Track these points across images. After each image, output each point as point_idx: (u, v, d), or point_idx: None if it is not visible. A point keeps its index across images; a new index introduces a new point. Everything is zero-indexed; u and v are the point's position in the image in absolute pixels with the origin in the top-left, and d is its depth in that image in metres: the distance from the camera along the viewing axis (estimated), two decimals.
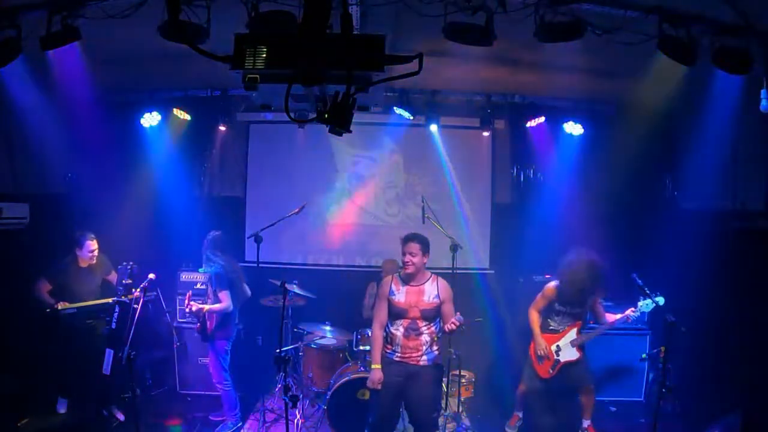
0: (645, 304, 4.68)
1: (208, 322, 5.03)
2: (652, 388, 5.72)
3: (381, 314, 4.20)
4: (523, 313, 5.32)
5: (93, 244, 5.26)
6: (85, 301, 5.22)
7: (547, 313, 5.02)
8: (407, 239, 4.15)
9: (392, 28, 4.22)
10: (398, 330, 4.10)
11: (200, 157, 7.05)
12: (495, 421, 5.54)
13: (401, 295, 4.12)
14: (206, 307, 4.99)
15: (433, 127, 6.64)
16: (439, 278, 4.21)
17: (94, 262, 5.33)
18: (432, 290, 4.13)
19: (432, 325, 4.13)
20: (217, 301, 4.99)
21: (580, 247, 4.86)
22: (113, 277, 5.46)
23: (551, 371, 4.96)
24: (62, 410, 5.25)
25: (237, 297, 5.18)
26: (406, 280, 4.16)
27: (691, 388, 5.29)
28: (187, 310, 5.04)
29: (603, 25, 3.79)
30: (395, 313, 4.12)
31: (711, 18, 3.85)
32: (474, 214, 7.11)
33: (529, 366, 5.09)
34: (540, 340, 4.97)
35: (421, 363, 4.09)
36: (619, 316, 4.86)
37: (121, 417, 5.09)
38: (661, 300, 4.53)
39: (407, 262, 4.10)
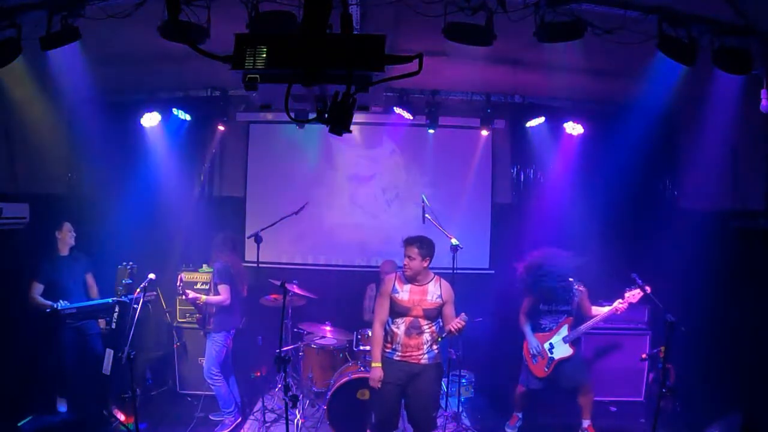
0: (632, 294, 4.71)
1: (207, 314, 5.18)
2: (652, 388, 5.72)
3: (382, 312, 4.19)
4: None
5: (69, 226, 5.32)
6: (73, 293, 5.25)
7: (535, 314, 5.08)
8: (407, 242, 4.16)
9: (392, 28, 4.22)
10: (399, 328, 4.10)
11: (200, 157, 7.05)
12: (495, 421, 5.54)
13: (404, 293, 4.13)
14: (203, 297, 5.12)
15: (433, 129, 6.65)
16: (442, 279, 4.23)
17: (73, 243, 5.35)
18: (435, 290, 4.14)
19: (433, 324, 4.14)
20: (217, 294, 5.11)
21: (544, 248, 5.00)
22: (91, 281, 5.49)
23: (546, 369, 4.98)
24: (62, 410, 5.25)
25: (237, 294, 5.26)
26: (409, 279, 4.16)
27: (691, 388, 5.30)
28: (183, 297, 5.14)
29: (603, 25, 3.80)
30: (398, 312, 4.12)
31: (711, 18, 3.85)
32: (474, 214, 7.11)
33: (525, 367, 5.12)
34: (532, 338, 5.03)
35: (422, 362, 4.09)
36: (606, 308, 4.89)
37: (120, 417, 5.09)
38: (647, 288, 4.54)
39: (405, 264, 4.12)
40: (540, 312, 5.05)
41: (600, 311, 4.94)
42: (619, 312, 4.83)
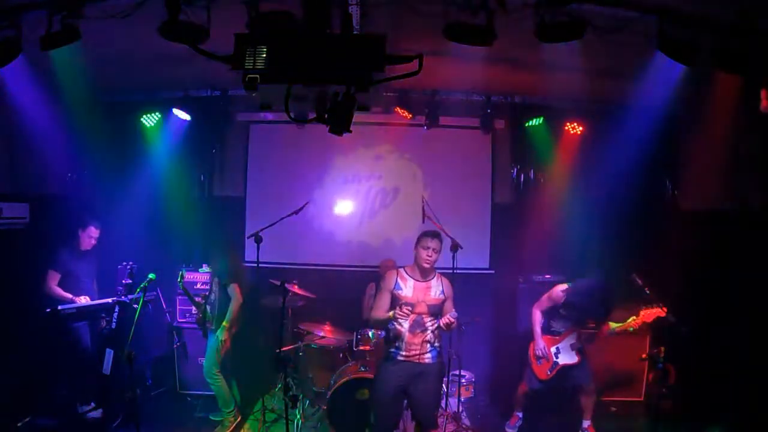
0: (647, 313, 4.64)
1: (209, 315, 5.18)
2: (652, 388, 5.72)
3: (383, 306, 4.11)
4: (524, 313, 5.33)
5: (95, 232, 5.47)
6: (85, 289, 5.37)
7: (550, 314, 5.03)
8: (432, 235, 4.10)
9: (392, 28, 4.21)
10: (403, 325, 4.06)
11: (200, 157, 7.05)
12: (495, 421, 5.54)
13: (408, 289, 4.09)
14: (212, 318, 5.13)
15: (432, 129, 6.64)
16: (442, 275, 4.23)
17: (89, 248, 5.49)
18: (438, 286, 4.14)
19: (435, 321, 4.14)
20: (225, 294, 5.10)
21: (600, 271, 4.85)
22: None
23: (549, 373, 4.96)
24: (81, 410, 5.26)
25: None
26: (414, 275, 4.13)
27: (691, 388, 5.29)
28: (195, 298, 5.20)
29: (603, 25, 3.79)
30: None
31: (711, 18, 3.85)
32: (474, 214, 7.10)
33: (528, 366, 5.10)
34: (539, 340, 4.99)
35: (426, 361, 4.08)
36: (619, 325, 4.82)
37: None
38: (664, 308, 4.51)
39: (428, 257, 4.04)
40: (557, 314, 4.99)
41: (612, 326, 4.85)
42: (631, 330, 4.78)
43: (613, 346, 5.77)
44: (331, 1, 2.14)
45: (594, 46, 3.95)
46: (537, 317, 5.05)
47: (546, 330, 5.03)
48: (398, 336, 4.08)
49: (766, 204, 5.16)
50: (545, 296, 5.03)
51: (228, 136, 7.07)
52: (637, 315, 4.72)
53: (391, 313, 3.98)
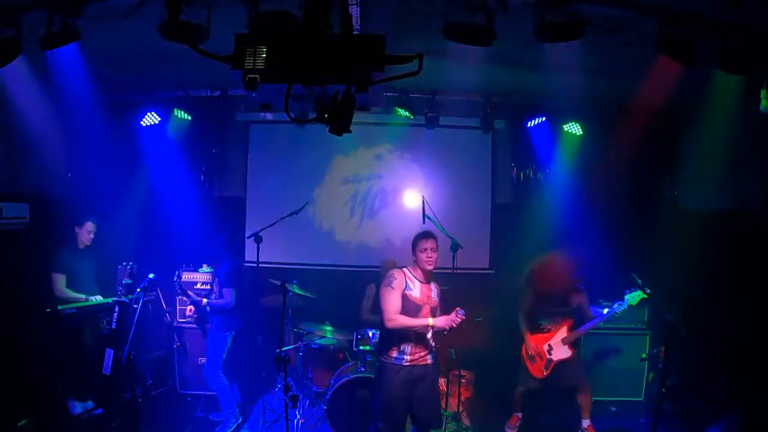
0: (632, 297, 4.65)
1: (206, 314, 5.26)
2: (652, 388, 5.73)
3: (396, 307, 3.93)
4: None
5: (92, 227, 5.48)
6: (87, 288, 5.39)
7: (534, 314, 5.05)
8: (426, 235, 4.07)
9: (392, 28, 4.22)
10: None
11: (200, 157, 7.05)
12: (495, 421, 5.54)
13: (416, 291, 4.05)
14: (204, 300, 5.21)
15: (432, 129, 6.64)
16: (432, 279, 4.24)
17: (89, 243, 5.51)
18: (435, 288, 4.17)
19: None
20: (221, 296, 5.12)
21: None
22: None
23: (545, 371, 4.97)
24: (75, 411, 5.25)
25: (238, 295, 5.27)
26: (418, 277, 4.10)
27: (691, 388, 5.30)
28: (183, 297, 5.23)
29: (603, 25, 3.79)
30: (410, 309, 3.99)
31: (711, 18, 3.85)
32: (474, 214, 7.10)
33: (523, 367, 5.11)
34: (529, 340, 5.01)
35: (429, 361, 4.08)
36: (605, 310, 4.84)
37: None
38: (647, 291, 4.51)
39: (428, 258, 4.01)
40: (539, 313, 5.04)
41: (599, 313, 4.91)
42: (617, 314, 4.79)
43: (613, 346, 5.80)
44: (331, 1, 2.13)
45: (594, 46, 3.95)
46: (522, 319, 5.11)
47: (536, 329, 5.04)
48: (402, 340, 4.01)
49: (766, 204, 5.15)
50: (522, 299, 5.11)
51: (228, 136, 7.07)
52: (622, 299, 4.70)
53: (430, 321, 3.93)
